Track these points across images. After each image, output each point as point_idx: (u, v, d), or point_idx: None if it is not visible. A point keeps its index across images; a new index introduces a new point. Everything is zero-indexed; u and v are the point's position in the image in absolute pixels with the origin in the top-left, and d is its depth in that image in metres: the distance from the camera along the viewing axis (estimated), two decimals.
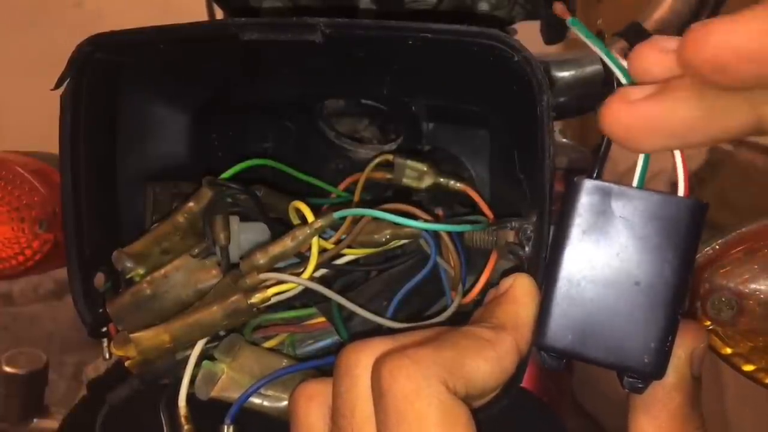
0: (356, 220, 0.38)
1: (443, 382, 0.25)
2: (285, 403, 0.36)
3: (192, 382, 0.37)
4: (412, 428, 0.24)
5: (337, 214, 0.37)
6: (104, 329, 0.41)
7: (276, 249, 0.37)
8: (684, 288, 0.26)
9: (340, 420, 0.27)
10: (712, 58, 0.21)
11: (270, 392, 0.36)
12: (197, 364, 0.37)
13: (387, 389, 0.25)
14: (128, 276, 0.39)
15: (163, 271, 0.39)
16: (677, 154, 0.25)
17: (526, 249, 0.35)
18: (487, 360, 0.27)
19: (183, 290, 0.39)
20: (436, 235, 0.38)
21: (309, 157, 0.52)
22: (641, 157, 0.27)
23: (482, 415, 0.26)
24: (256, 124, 0.53)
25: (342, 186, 0.46)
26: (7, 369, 0.80)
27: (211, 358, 0.37)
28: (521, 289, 0.31)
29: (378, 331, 0.36)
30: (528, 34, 0.53)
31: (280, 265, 0.38)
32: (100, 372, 0.74)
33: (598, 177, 0.28)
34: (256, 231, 0.40)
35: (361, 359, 0.27)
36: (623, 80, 0.26)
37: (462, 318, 0.33)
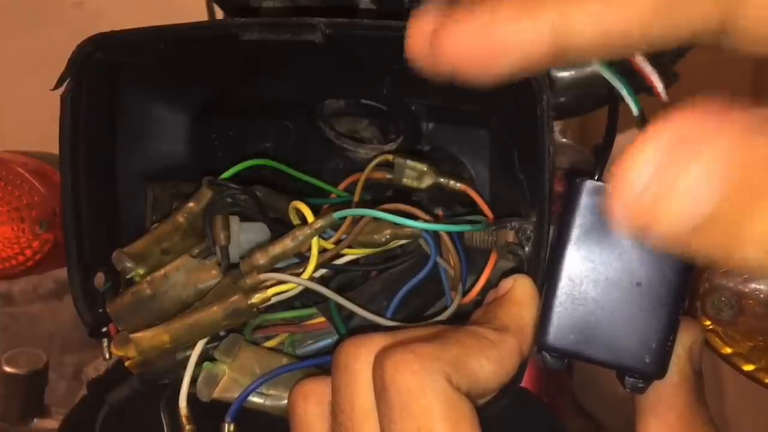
0: (356, 220, 0.38)
1: (447, 378, 0.25)
2: (286, 402, 0.36)
3: (192, 382, 0.37)
4: (418, 422, 0.24)
5: (337, 214, 0.37)
6: (104, 329, 0.41)
7: (276, 249, 0.37)
8: (685, 288, 0.27)
9: (340, 415, 0.27)
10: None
11: (271, 391, 0.36)
12: (198, 364, 0.37)
13: (390, 383, 0.25)
14: (128, 276, 0.39)
15: (163, 271, 0.39)
16: None
17: (526, 249, 0.35)
18: (490, 360, 0.27)
19: (183, 290, 0.39)
20: (436, 235, 0.38)
21: (309, 157, 0.52)
22: None
23: (482, 414, 0.26)
24: (256, 124, 0.53)
25: (342, 186, 0.46)
26: (7, 369, 0.80)
27: (212, 359, 0.37)
28: (522, 290, 0.31)
29: (377, 330, 0.36)
30: None
31: (280, 265, 0.38)
32: (100, 372, 0.74)
33: (600, 178, 0.28)
34: (256, 231, 0.40)
35: (361, 354, 0.27)
36: (624, 92, 0.26)
37: (461, 318, 0.33)
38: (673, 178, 0.14)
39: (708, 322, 0.44)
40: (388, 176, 0.43)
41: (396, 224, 0.37)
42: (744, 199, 0.14)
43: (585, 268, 0.27)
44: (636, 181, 0.15)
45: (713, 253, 0.15)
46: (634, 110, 0.26)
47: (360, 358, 0.27)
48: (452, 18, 0.20)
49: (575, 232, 0.27)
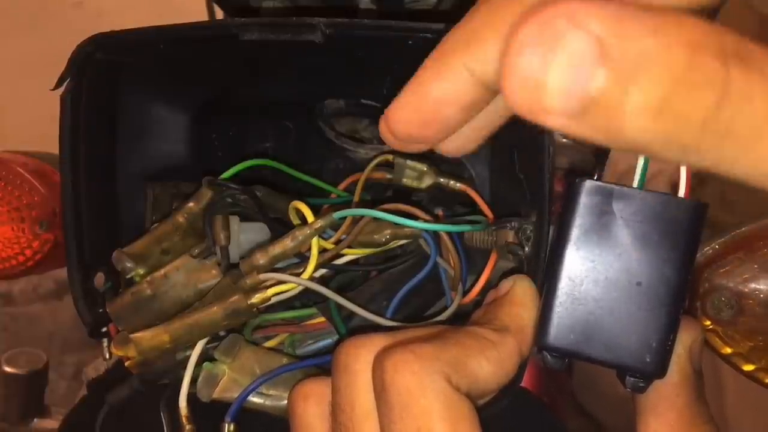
0: (356, 220, 0.38)
1: (446, 378, 0.25)
2: (286, 402, 0.36)
3: (192, 382, 0.37)
4: (417, 422, 0.24)
5: (337, 214, 0.37)
6: (104, 329, 0.41)
7: (276, 249, 0.37)
8: (684, 288, 0.27)
9: (340, 416, 0.27)
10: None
11: (271, 392, 0.36)
12: (198, 364, 0.37)
13: (390, 383, 0.25)
14: (128, 276, 0.39)
15: (163, 271, 0.39)
16: None
17: (526, 249, 0.35)
18: (489, 360, 0.27)
19: (183, 290, 0.39)
20: (436, 235, 0.38)
21: (309, 157, 0.52)
22: (641, 158, 0.27)
23: (482, 414, 0.26)
24: (256, 124, 0.53)
25: (342, 186, 0.46)
26: (7, 369, 0.80)
27: (212, 359, 0.37)
28: (522, 290, 0.31)
29: (377, 330, 0.36)
30: None
31: (280, 265, 0.38)
32: (100, 372, 0.74)
33: (599, 178, 0.28)
34: (256, 231, 0.40)
35: (361, 354, 0.27)
36: None
37: (461, 318, 0.33)
38: (558, 53, 0.15)
39: (708, 322, 0.44)
40: (388, 176, 0.43)
41: (396, 224, 0.37)
42: (624, 71, 0.15)
43: (585, 268, 0.27)
44: (524, 57, 0.15)
45: (603, 133, 0.16)
46: None
47: (360, 359, 0.27)
48: (396, 98, 0.22)
49: (575, 232, 0.27)
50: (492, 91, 0.20)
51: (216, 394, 0.36)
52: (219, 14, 0.70)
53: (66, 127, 0.39)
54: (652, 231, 0.26)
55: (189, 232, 0.40)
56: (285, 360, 0.38)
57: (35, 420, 0.81)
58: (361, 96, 0.49)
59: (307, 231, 0.37)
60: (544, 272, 0.31)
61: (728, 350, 0.45)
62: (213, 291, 0.38)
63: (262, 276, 0.36)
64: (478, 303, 0.34)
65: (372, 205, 0.39)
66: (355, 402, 0.27)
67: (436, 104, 0.21)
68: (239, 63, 0.44)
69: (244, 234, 0.40)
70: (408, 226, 0.37)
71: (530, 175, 0.37)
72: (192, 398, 0.37)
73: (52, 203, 0.56)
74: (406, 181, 0.43)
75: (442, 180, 0.42)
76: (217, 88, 0.49)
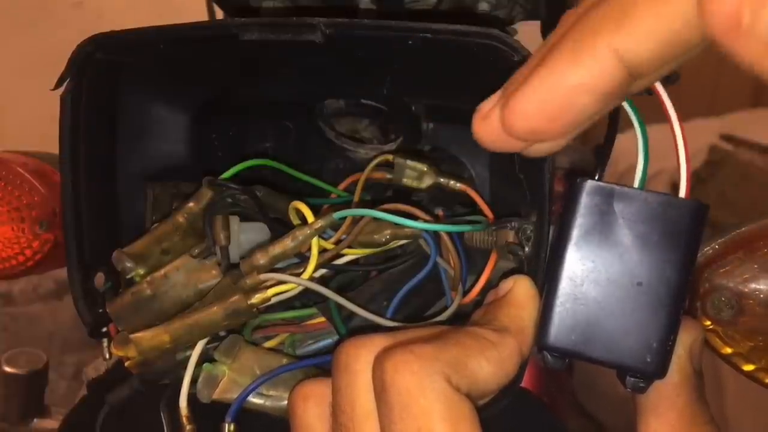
0: (356, 220, 0.38)
1: (446, 379, 0.25)
2: (286, 402, 0.36)
3: (193, 382, 0.37)
4: (418, 423, 0.24)
5: (337, 215, 0.37)
6: (104, 329, 0.41)
7: (276, 249, 0.37)
8: (685, 288, 0.27)
9: (341, 416, 0.27)
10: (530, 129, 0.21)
11: (271, 392, 0.36)
12: (198, 365, 0.37)
13: (390, 384, 0.25)
14: (128, 276, 0.39)
15: (163, 271, 0.39)
16: (681, 154, 0.25)
17: (526, 249, 0.35)
18: (489, 361, 0.27)
19: (183, 290, 0.39)
20: (436, 235, 0.38)
21: (309, 157, 0.52)
22: (641, 159, 0.27)
23: (482, 415, 0.26)
24: (256, 124, 0.53)
25: (342, 186, 0.46)
26: (7, 369, 0.80)
27: (212, 359, 0.37)
28: (522, 291, 0.31)
29: (377, 331, 0.36)
30: (528, 34, 0.53)
31: (280, 265, 0.38)
32: (100, 372, 0.74)
33: (600, 178, 0.28)
34: (256, 231, 0.40)
35: (361, 354, 0.27)
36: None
37: (461, 318, 0.33)
38: None
39: (708, 322, 0.44)
40: (388, 176, 0.43)
41: (396, 224, 0.37)
42: None
43: (585, 268, 0.27)
44: None
45: None
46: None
47: (360, 359, 0.27)
48: (513, 90, 0.21)
49: (576, 233, 0.27)
50: (634, 76, 0.20)
51: (216, 394, 0.36)
52: (219, 14, 0.70)
53: (66, 127, 0.39)
54: (653, 231, 0.26)
55: (189, 232, 0.40)
56: (285, 360, 0.38)
57: (35, 420, 0.81)
58: (361, 96, 0.49)
59: (307, 231, 0.37)
60: (545, 272, 0.31)
61: (728, 350, 0.45)
62: (213, 291, 0.38)
63: (262, 276, 0.36)
64: (478, 303, 0.34)
65: (372, 205, 0.39)
66: (355, 402, 0.27)
67: (572, 93, 0.20)
68: (239, 63, 0.44)
69: (244, 234, 0.40)
70: (408, 226, 0.37)
71: (530, 175, 0.37)
72: (192, 398, 0.37)
73: (52, 203, 0.56)
74: (406, 181, 0.43)
75: (442, 180, 0.42)
76: (217, 88, 0.49)
